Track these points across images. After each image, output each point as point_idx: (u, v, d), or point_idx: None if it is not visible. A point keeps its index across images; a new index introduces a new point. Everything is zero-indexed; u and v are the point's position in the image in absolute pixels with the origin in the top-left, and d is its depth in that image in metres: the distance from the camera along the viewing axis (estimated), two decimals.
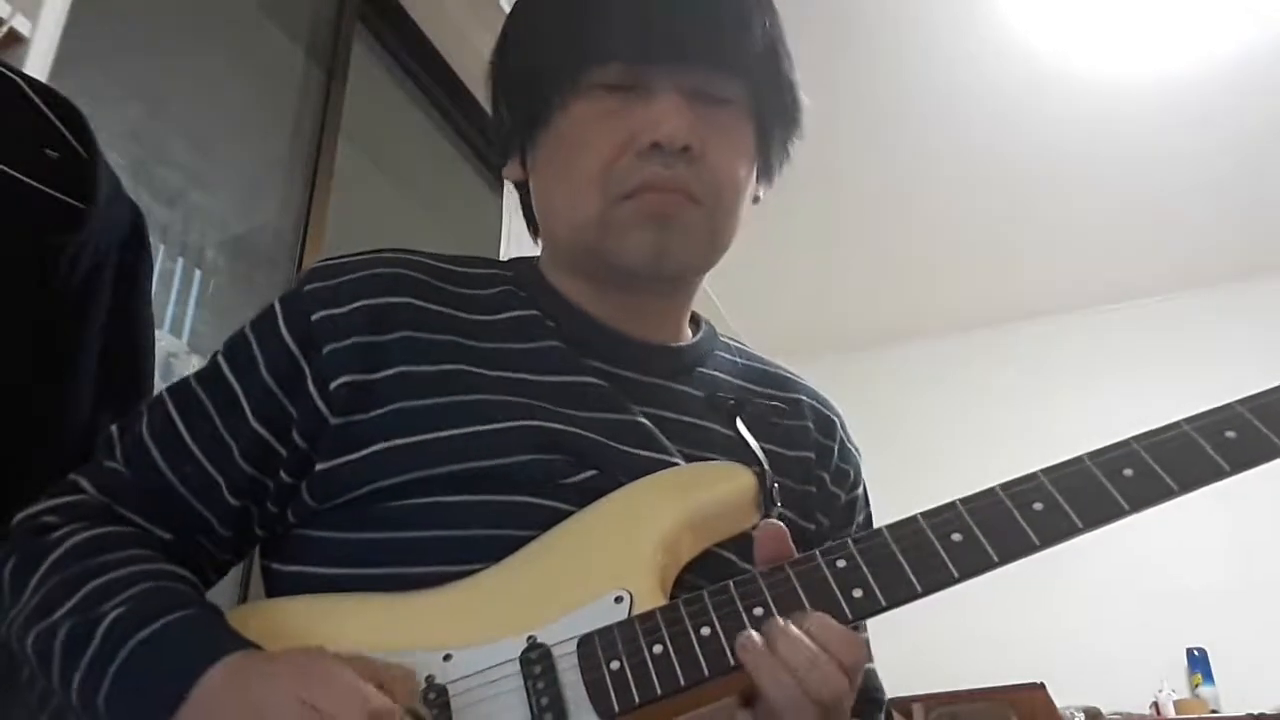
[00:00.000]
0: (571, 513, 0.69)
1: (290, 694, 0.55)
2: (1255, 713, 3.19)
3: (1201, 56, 2.97)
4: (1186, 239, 3.84)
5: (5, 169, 0.96)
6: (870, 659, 0.84)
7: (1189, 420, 0.62)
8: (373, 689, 0.56)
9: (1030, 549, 0.60)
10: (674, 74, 0.74)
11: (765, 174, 0.84)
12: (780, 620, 0.59)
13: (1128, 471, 0.61)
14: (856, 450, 0.90)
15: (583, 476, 0.70)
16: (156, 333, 1.14)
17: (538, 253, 0.88)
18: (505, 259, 0.88)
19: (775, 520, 0.66)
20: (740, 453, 0.75)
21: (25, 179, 0.98)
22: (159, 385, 1.13)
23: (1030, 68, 3.01)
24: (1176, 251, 3.91)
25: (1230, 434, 0.61)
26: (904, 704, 2.91)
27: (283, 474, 0.73)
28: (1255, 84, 3.06)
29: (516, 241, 2.79)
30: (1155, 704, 3.49)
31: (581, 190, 0.76)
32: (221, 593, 0.69)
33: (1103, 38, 2.90)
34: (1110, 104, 3.15)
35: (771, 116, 0.81)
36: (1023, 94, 3.11)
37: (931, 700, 2.92)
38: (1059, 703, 2.81)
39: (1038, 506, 0.61)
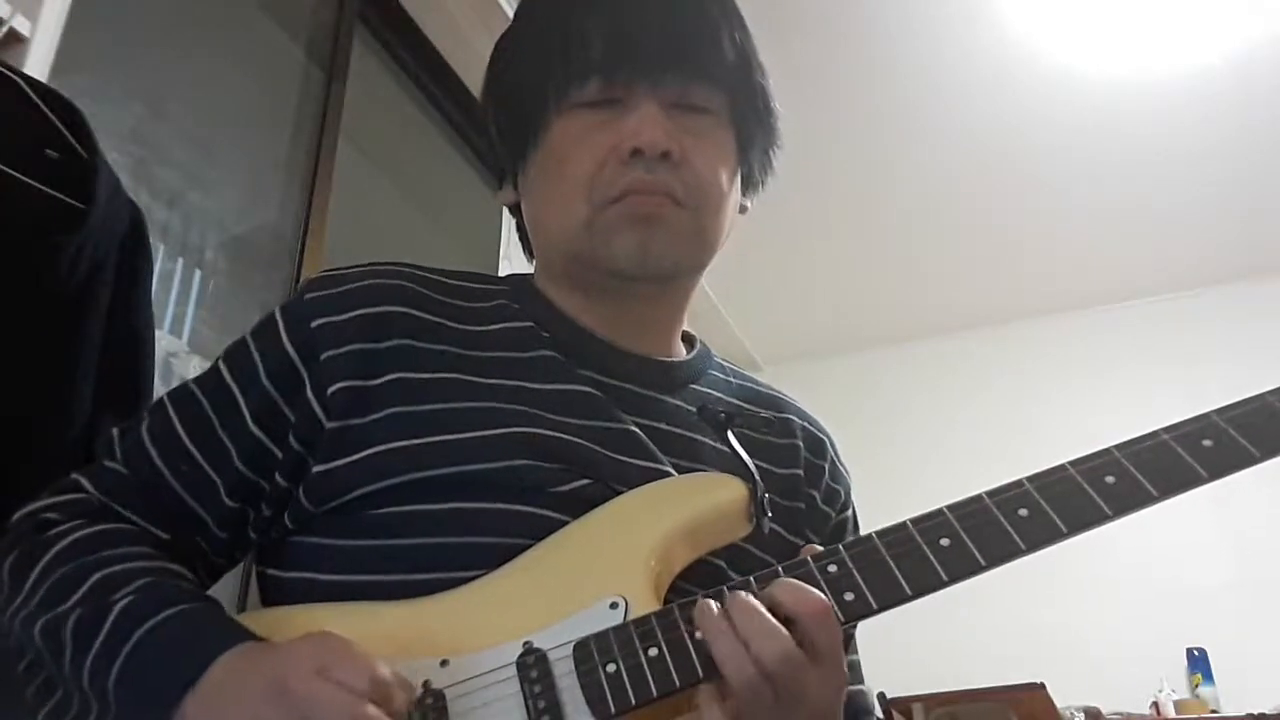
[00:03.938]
0: (564, 521, 0.69)
1: (306, 662, 0.56)
2: (1255, 713, 3.19)
3: (1202, 56, 2.97)
4: (1186, 239, 3.84)
5: (5, 169, 0.97)
6: (861, 680, 0.85)
7: (1167, 430, 0.65)
8: (383, 664, 0.57)
9: (1016, 553, 0.62)
10: (652, 88, 0.77)
11: (749, 183, 0.86)
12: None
13: (1110, 479, 0.63)
14: (847, 472, 0.91)
15: (575, 485, 0.71)
16: (156, 333, 1.14)
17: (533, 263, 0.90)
18: (501, 275, 0.90)
19: (765, 535, 0.68)
20: (731, 465, 0.76)
21: (25, 179, 0.98)
22: (159, 385, 1.14)
23: (1031, 68, 3.01)
24: (1176, 251, 3.91)
25: (1207, 443, 0.63)
26: (904, 704, 2.91)
27: (278, 477, 0.74)
28: (1255, 84, 3.06)
29: (516, 243, 2.79)
30: (1155, 704, 3.49)
31: (569, 199, 0.78)
32: (219, 599, 0.70)
33: (1104, 38, 2.90)
34: (1110, 104, 3.15)
35: (749, 124, 0.83)
36: (1023, 94, 3.11)
37: (931, 700, 2.92)
38: (1059, 703, 2.81)
39: (1023, 512, 0.63)
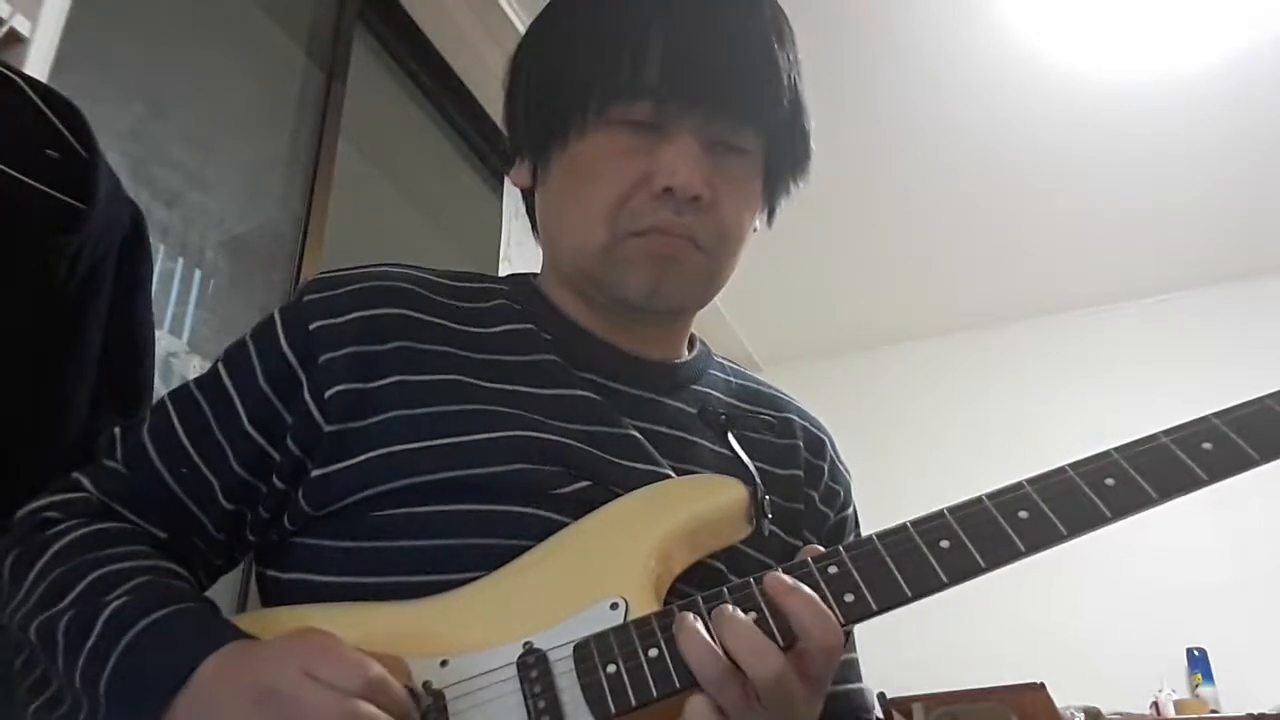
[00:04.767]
0: (564, 523, 0.69)
1: (293, 666, 0.56)
2: (1255, 713, 3.19)
3: (1202, 56, 2.97)
4: (1186, 239, 3.84)
5: (5, 169, 0.97)
6: (859, 678, 0.85)
7: (1166, 432, 0.64)
8: (372, 660, 0.57)
9: (1016, 555, 0.62)
10: (697, 121, 0.75)
11: (768, 212, 0.85)
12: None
13: (1109, 481, 0.63)
14: (847, 471, 0.91)
15: (575, 487, 0.71)
16: (156, 333, 1.14)
17: (538, 252, 0.89)
18: (502, 275, 0.89)
19: (765, 536, 0.68)
20: (731, 467, 0.76)
21: (25, 179, 0.98)
22: (159, 385, 1.14)
23: (1030, 68, 3.01)
24: (1177, 251, 3.91)
25: (1206, 445, 0.63)
26: (904, 704, 2.92)
27: (276, 479, 0.74)
28: (1255, 84, 3.06)
29: (516, 243, 2.79)
30: (1155, 704, 3.49)
31: (591, 220, 0.76)
32: (220, 601, 0.70)
33: (1103, 38, 2.90)
34: (1110, 104, 3.15)
35: (784, 166, 0.82)
36: (1023, 94, 3.11)
37: (931, 700, 2.93)
38: (1059, 703, 2.81)
39: (1023, 514, 0.63)
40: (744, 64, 0.76)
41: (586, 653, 0.61)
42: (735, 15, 0.77)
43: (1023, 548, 0.61)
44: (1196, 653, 3.56)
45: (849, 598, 0.61)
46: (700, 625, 0.58)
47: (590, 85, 0.75)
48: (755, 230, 0.85)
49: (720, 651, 0.57)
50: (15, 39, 1.34)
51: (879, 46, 2.92)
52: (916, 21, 2.83)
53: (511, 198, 2.81)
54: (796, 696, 0.57)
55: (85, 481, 0.74)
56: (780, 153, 0.80)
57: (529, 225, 0.90)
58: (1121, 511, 0.62)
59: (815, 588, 0.61)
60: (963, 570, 0.61)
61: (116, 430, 0.77)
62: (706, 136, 0.75)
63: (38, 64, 1.36)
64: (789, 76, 0.78)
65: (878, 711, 0.88)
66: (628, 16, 0.76)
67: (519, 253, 2.76)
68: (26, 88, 1.03)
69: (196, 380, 0.78)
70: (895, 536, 0.63)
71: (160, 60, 1.87)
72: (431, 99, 2.76)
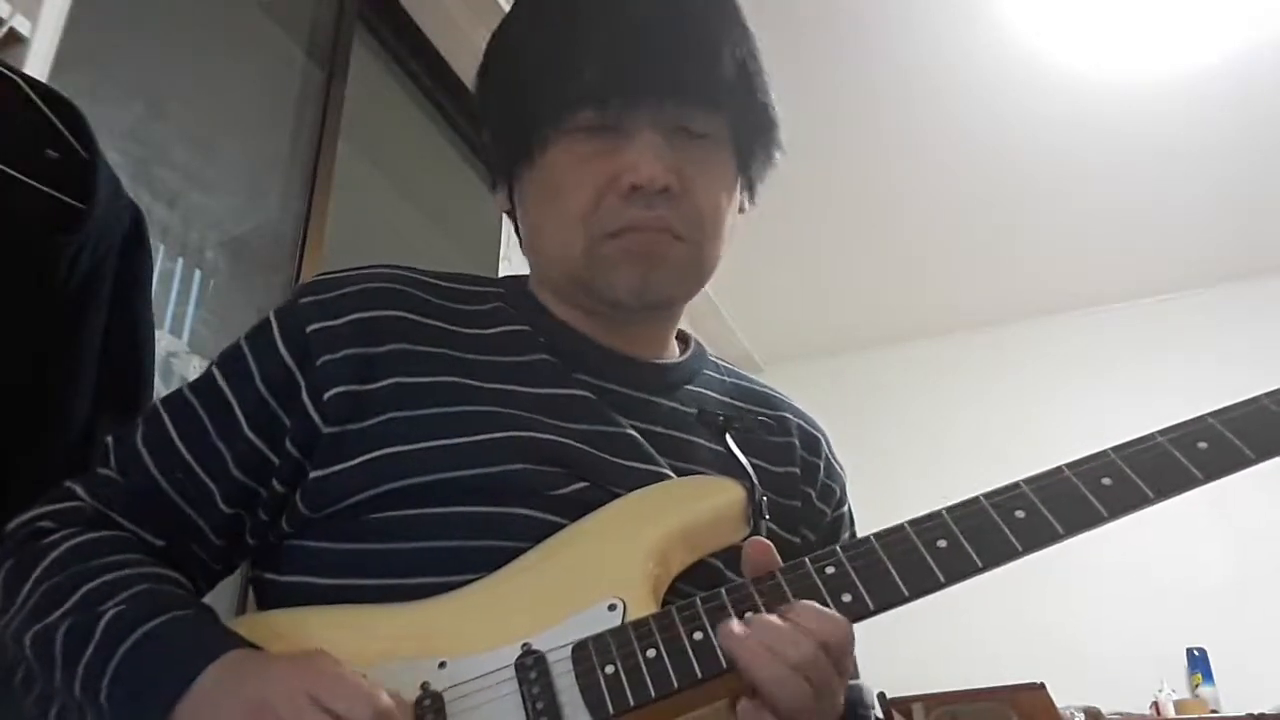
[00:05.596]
0: (562, 524, 0.69)
1: (296, 688, 0.56)
2: (1255, 713, 3.19)
3: (1202, 56, 2.97)
4: (1186, 239, 3.84)
5: (5, 169, 0.97)
6: (856, 674, 0.85)
7: (1162, 432, 0.65)
8: (378, 689, 0.57)
9: (1013, 555, 0.62)
10: (650, 114, 0.75)
11: (750, 188, 0.85)
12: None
13: (1106, 480, 0.63)
14: (842, 469, 0.91)
15: (573, 488, 0.71)
16: (156, 333, 1.14)
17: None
18: (497, 277, 0.89)
19: (761, 536, 0.68)
20: (728, 467, 0.76)
21: (25, 179, 0.98)
22: (159, 385, 1.14)
23: (1030, 68, 3.01)
24: (1176, 251, 3.91)
25: (1202, 445, 0.63)
26: (904, 704, 2.91)
27: (275, 483, 0.74)
28: (1255, 84, 3.06)
29: (516, 243, 2.79)
30: (1155, 704, 3.49)
31: (567, 230, 0.77)
32: (218, 605, 0.70)
33: (1103, 38, 2.90)
34: (1110, 104, 3.14)
35: (750, 141, 0.82)
36: (1023, 94, 3.11)
37: (931, 700, 2.92)
38: (1059, 703, 2.80)
39: (1020, 514, 0.63)
40: (680, 49, 0.76)
41: (585, 654, 0.61)
42: (668, 2, 0.77)
43: (1020, 547, 0.62)
44: (1196, 653, 3.56)
45: (846, 597, 0.62)
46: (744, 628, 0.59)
47: (539, 100, 0.76)
48: (744, 210, 0.85)
49: (758, 642, 0.57)
50: (15, 39, 1.34)
51: (878, 46, 2.92)
52: (916, 22, 2.83)
53: None
54: (836, 682, 0.59)
55: (79, 490, 0.74)
56: (744, 127, 0.80)
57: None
58: (1118, 511, 0.62)
59: (813, 588, 0.62)
60: (960, 570, 0.62)
61: (109, 438, 0.77)
62: (664, 126, 0.76)
63: (38, 64, 1.36)
64: (733, 50, 0.78)
65: (877, 710, 0.88)
66: (562, 26, 0.77)
67: (519, 254, 2.76)
68: (26, 88, 1.03)
69: (190, 385, 0.77)
70: (893, 536, 0.64)
71: (160, 60, 1.87)
72: (431, 99, 2.76)
